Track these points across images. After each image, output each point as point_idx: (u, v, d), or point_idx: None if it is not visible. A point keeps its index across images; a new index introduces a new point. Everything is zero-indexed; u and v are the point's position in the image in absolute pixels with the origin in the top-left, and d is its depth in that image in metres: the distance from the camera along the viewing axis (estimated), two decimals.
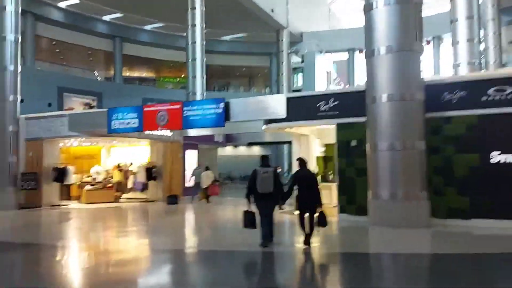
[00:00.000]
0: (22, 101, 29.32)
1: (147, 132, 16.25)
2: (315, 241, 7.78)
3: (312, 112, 11.37)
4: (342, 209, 10.97)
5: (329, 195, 12.37)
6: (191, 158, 19.32)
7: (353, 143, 10.87)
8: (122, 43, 37.73)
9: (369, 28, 10.16)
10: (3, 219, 12.79)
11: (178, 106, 12.90)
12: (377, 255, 7.56)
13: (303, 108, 11.58)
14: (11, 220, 12.67)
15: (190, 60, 26.32)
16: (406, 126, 9.72)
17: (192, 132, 18.31)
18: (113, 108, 14.12)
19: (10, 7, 15.02)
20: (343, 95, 11.55)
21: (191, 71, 26.23)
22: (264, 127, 12.76)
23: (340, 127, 11.14)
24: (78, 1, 32.22)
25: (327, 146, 13.72)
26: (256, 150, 46.02)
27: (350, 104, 10.92)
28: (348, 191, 10.85)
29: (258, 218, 7.56)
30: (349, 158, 10.93)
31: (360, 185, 10.52)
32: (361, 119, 10.47)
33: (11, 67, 15.09)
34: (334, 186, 12.02)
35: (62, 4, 32.23)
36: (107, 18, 35.86)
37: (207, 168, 17.33)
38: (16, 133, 15.26)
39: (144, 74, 44.86)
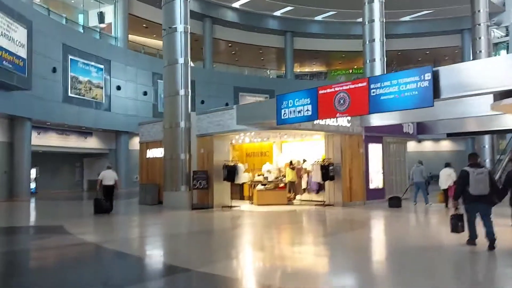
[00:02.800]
0: (202, 102, 30.81)
1: (321, 122, 13.72)
2: None
3: None
4: None
5: None
6: (374, 154, 15.94)
7: None
8: (293, 37, 36.68)
9: None
10: (185, 221, 11.92)
11: (363, 84, 9.81)
12: None
13: None
14: (191, 223, 11.63)
15: (367, 42, 22.86)
16: None
17: (376, 121, 14.95)
18: (282, 94, 11.93)
19: None
20: None
21: (368, 55, 22.79)
22: (492, 104, 8.66)
23: None
24: None
25: None
26: (444, 145, 39.34)
27: None
28: None
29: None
30: None
31: None
32: None
33: (181, 60, 14.44)
34: None
35: (236, 4, 32.62)
36: (278, 13, 35.17)
37: (446, 165, 14.15)
38: (188, 129, 14.56)
39: (314, 68, 43.09)
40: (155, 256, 7.28)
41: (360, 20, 35.13)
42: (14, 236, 9.48)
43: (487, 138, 32.08)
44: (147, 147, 16.82)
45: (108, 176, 13.08)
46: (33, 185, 23.46)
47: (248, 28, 34.51)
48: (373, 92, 9.60)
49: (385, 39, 22.90)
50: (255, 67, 38.84)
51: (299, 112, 11.25)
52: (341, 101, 10.26)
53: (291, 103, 11.46)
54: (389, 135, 16.44)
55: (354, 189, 14.93)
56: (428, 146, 37.67)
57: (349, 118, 14.86)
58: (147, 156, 16.75)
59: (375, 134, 15.87)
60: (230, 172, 13.94)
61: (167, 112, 14.73)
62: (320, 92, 10.79)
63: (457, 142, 39.42)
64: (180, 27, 14.46)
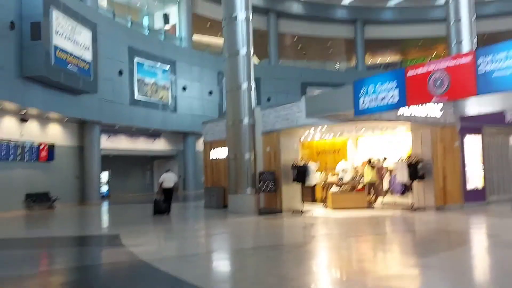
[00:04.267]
0: (268, 99, 29.57)
1: (408, 111, 11.67)
2: None
3: None
4: None
5: None
6: (473, 147, 13.42)
7: None
8: (363, 26, 34.17)
9: None
10: (252, 230, 10.62)
11: (467, 59, 7.74)
12: None
13: None
14: (258, 234, 10.27)
15: (452, 23, 20.15)
16: None
17: (472, 109, 12.54)
18: (360, 80, 10.14)
19: None
20: None
21: (454, 36, 20.04)
22: None
23: None
24: None
25: None
26: None
27: None
28: None
29: None
30: None
31: None
32: None
33: (243, 51, 13.14)
34: None
35: None
36: (346, 2, 32.92)
37: None
38: (252, 126, 13.23)
39: (388, 58, 39.93)
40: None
41: (437, 2, 32.07)
42: (62, 249, 8.70)
43: None
44: (211, 147, 15.79)
45: (168, 179, 13.54)
46: (105, 189, 23.75)
47: (314, 20, 32.71)
48: (481, 68, 7.51)
49: (474, 17, 20.12)
50: (324, 60, 36.77)
51: (382, 99, 9.39)
52: (438, 82, 8.26)
53: (371, 89, 9.63)
54: (489, 125, 13.79)
55: (448, 190, 12.60)
56: None
57: (440, 106, 12.60)
58: (211, 157, 15.72)
59: (473, 125, 13.35)
60: (300, 173, 12.36)
61: (230, 108, 13.53)
62: (409, 73, 8.84)
63: None
64: (241, 15, 13.18)
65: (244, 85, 13.16)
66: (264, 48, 32.63)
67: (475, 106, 12.53)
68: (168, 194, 13.38)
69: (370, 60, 38.15)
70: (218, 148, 15.33)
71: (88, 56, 17.53)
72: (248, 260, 7.01)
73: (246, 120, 13.13)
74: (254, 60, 34.09)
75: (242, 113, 13.15)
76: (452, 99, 8.19)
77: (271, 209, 12.69)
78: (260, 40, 33.16)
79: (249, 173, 13.00)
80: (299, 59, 36.31)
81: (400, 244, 8.08)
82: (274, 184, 12.56)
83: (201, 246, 8.39)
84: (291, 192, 12.69)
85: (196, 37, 28.82)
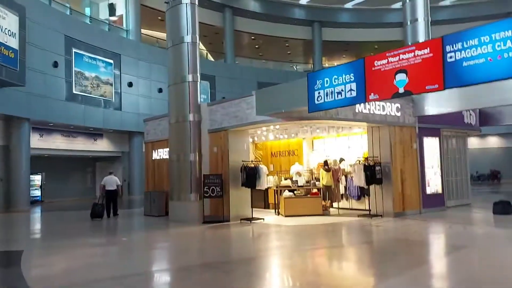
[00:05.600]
0: (223, 99, 28.18)
1: (365, 111, 10.81)
2: None
3: None
4: None
5: None
6: (431, 150, 12.75)
7: None
8: (321, 28, 33.67)
9: None
10: (193, 243, 9.20)
11: (434, 46, 6.79)
12: None
13: None
14: (200, 248, 8.86)
15: (408, 23, 19.81)
16: None
17: (432, 109, 11.86)
18: (315, 72, 9.05)
19: None
20: None
21: (410, 38, 19.66)
22: None
23: None
24: None
25: None
26: (493, 142, 35.25)
27: None
28: None
29: None
30: None
31: None
32: None
33: (188, 38, 11.75)
34: None
35: None
36: (303, 1, 32.25)
37: None
38: (197, 123, 11.85)
39: (344, 61, 39.77)
40: None
41: (394, 6, 32.14)
42: None
43: None
44: (153, 148, 14.24)
45: (110, 181, 13.45)
46: (38, 193, 21.41)
47: (272, 19, 31.77)
48: (451, 57, 6.58)
49: (429, 18, 19.89)
50: (281, 61, 35.90)
51: (339, 93, 8.32)
52: (400, 74, 7.28)
53: (327, 82, 8.54)
54: (447, 126, 13.21)
55: (407, 194, 11.81)
56: (492, 141, 34.14)
57: (398, 105, 11.82)
58: (153, 158, 14.16)
59: (431, 126, 12.69)
60: (250, 176, 11.11)
61: (173, 103, 12.09)
62: (369, 64, 7.82)
63: (506, 138, 35.34)
64: None
65: (189, 78, 11.76)
66: (220, 45, 31.31)
67: (434, 105, 11.85)
68: (110, 197, 13.36)
69: (327, 63, 37.78)
70: (161, 149, 13.82)
71: (13, 43, 15.42)
72: (185, 284, 5.64)
73: (191, 117, 11.73)
74: (210, 57, 32.90)
75: (187, 109, 11.73)
76: (417, 92, 7.25)
77: (217, 217, 11.34)
78: (215, 37, 31.84)
79: (193, 177, 11.59)
80: (256, 58, 35.23)
81: (358, 261, 6.99)
82: (220, 189, 11.23)
83: (125, 267, 6.88)
84: (239, 198, 11.41)
85: (146, 31, 26.97)
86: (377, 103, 11.23)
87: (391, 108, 11.59)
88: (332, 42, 34.32)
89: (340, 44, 35.26)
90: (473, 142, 33.16)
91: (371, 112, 11.13)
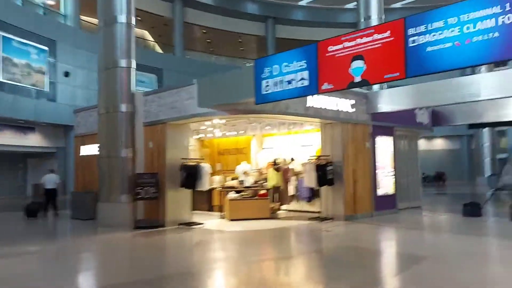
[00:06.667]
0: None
1: (316, 105, 10.00)
2: None
3: None
4: None
5: None
6: (383, 150, 12.16)
7: None
8: (274, 25, 32.95)
9: None
10: (120, 255, 7.84)
11: (394, 29, 5.96)
12: None
13: None
14: (129, 261, 7.51)
15: (362, 20, 19.42)
16: None
17: (386, 106, 11.26)
18: (263, 58, 8.02)
19: None
20: None
21: None
22: None
23: None
24: None
25: None
26: (438, 144, 36.25)
27: None
28: None
29: None
30: None
31: None
32: None
33: (123, 18, 10.35)
34: None
35: None
36: None
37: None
38: (131, 115, 10.47)
39: None
40: None
41: (348, 6, 32.08)
42: None
43: (486, 134, 29.05)
44: (83, 142, 12.66)
45: (49, 180, 12.90)
46: None
47: (224, 13, 30.61)
48: (413, 42, 5.77)
49: (383, 16, 19.57)
50: (233, 57, 34.80)
51: (289, 83, 7.34)
52: (357, 61, 6.41)
53: (277, 70, 7.54)
54: (400, 126, 12.70)
55: (359, 196, 11.11)
56: (438, 143, 35.16)
57: (353, 101, 11.09)
58: (83, 154, 12.58)
59: (385, 124, 12.11)
60: (190, 175, 9.90)
61: (103, 91, 10.62)
62: (323, 50, 6.90)
63: (451, 141, 36.45)
64: None
65: (123, 63, 10.35)
66: (169, 38, 29.70)
67: (388, 102, 11.25)
68: (50, 196, 12.80)
69: None
70: (93, 144, 12.26)
71: None
72: None
73: (123, 107, 10.32)
74: (158, 49, 31.15)
75: (119, 98, 10.32)
76: (374, 81, 6.43)
77: (152, 221, 10.02)
78: (164, 29, 30.20)
79: (125, 175, 10.20)
80: (207, 53, 33.88)
81: (307, 277, 6.02)
82: (156, 190, 9.92)
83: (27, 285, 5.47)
84: (178, 200, 10.15)
85: (86, 18, 24.87)
86: (331, 98, 10.44)
87: (344, 104, 10.83)
88: (285, 40, 33.66)
89: (293, 42, 34.61)
90: (420, 144, 33.96)
91: (324, 107, 10.30)
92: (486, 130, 27.55)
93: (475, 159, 31.23)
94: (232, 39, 33.15)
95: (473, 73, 19.01)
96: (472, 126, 15.23)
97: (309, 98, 9.97)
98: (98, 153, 10.67)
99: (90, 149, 12.33)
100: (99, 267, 6.76)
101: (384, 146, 12.21)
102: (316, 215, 10.98)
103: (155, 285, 5.32)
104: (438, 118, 14.05)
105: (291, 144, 13.03)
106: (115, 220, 9.99)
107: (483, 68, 24.16)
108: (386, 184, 12.17)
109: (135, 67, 10.61)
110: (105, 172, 10.35)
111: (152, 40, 30.83)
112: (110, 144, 10.31)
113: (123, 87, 10.30)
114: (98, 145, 10.69)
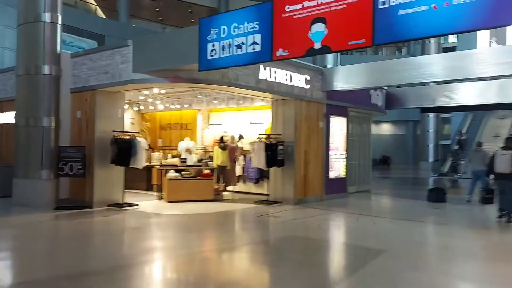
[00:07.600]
0: None
1: (269, 78, 9.13)
2: None
3: None
4: None
5: None
6: (337, 130, 11.58)
7: None
8: None
9: None
10: (32, 242, 6.60)
11: None
12: None
13: None
14: (42, 250, 6.25)
15: None
16: None
17: (341, 84, 10.57)
18: (209, 17, 6.92)
19: None
20: None
21: None
22: None
23: None
24: None
25: None
26: (385, 128, 36.94)
27: None
28: None
29: None
30: None
31: None
32: None
33: None
34: None
35: None
36: None
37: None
38: (56, 79, 9.00)
39: None
40: None
41: None
42: None
43: (431, 121, 29.77)
44: (1, 109, 10.96)
45: None
46: None
47: None
48: (384, 3, 4.97)
49: None
50: (182, 28, 32.93)
51: (238, 47, 6.34)
52: (317, 24, 5.53)
53: (225, 32, 6.50)
54: (354, 106, 12.14)
55: (310, 179, 10.45)
56: (385, 128, 35.71)
57: (308, 77, 10.30)
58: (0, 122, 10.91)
59: (339, 104, 11.48)
60: (123, 151, 8.69)
61: (21, 49, 9.02)
62: (279, 10, 5.94)
63: (397, 126, 37.27)
64: None
65: (46, 17, 8.78)
66: (113, 2, 27.34)
67: (344, 80, 10.58)
68: None
69: None
70: (12, 111, 10.60)
71: None
72: None
73: (46, 69, 8.82)
74: (101, 14, 28.71)
75: (41, 58, 8.79)
76: (337, 48, 5.61)
77: (77, 201, 8.75)
78: None
79: (47, 148, 8.79)
80: (155, 22, 31.79)
81: (250, 276, 5.18)
82: (82, 166, 8.63)
83: None
84: (108, 178, 8.92)
85: None
86: (285, 71, 9.57)
87: (299, 79, 10.02)
88: None
89: None
90: (383, 128, 34.57)
91: (277, 81, 9.42)
92: (431, 117, 28.11)
93: (419, 144, 32.03)
94: (182, 9, 31.24)
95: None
96: (424, 110, 15.06)
97: (261, 70, 9.05)
98: (14, 121, 9.13)
99: (9, 117, 10.66)
100: (8, 257, 5.51)
101: (338, 127, 11.62)
102: (264, 198, 10.21)
103: (75, 281, 4.26)
104: (391, 100, 13.68)
105: (240, 121, 12.10)
106: (33, 199, 8.63)
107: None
108: (337, 167, 11.65)
109: (61, 23, 9.07)
110: (22, 143, 8.87)
111: (94, 3, 28.31)
112: (30, 111, 8.81)
113: (46, 46, 8.78)
114: (15, 112, 9.15)
